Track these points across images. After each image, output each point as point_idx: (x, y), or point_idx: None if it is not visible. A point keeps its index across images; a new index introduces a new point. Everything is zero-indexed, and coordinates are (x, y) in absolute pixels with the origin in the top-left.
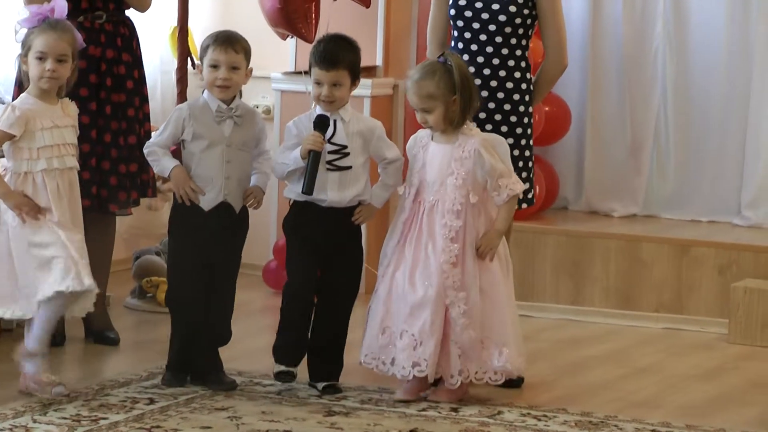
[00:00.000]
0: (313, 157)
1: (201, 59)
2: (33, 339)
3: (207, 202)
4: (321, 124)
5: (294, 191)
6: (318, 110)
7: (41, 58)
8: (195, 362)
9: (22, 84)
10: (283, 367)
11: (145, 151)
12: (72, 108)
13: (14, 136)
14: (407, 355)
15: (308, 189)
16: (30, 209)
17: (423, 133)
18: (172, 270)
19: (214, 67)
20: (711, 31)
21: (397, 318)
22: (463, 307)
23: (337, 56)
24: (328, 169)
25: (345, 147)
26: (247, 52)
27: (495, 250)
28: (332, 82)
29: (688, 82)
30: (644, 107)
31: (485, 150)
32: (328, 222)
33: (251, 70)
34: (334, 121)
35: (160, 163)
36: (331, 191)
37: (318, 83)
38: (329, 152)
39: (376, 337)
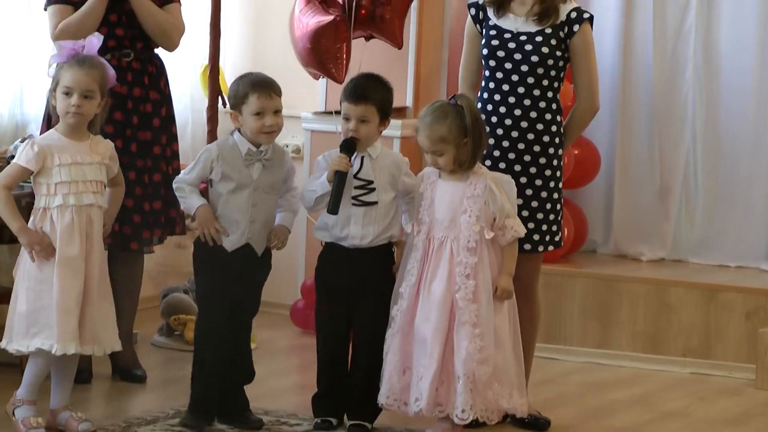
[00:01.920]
0: (338, 178)
1: (234, 106)
2: (22, 386)
3: (230, 244)
4: (347, 146)
5: (322, 230)
6: None
7: (68, 93)
8: (222, 401)
9: (50, 119)
10: (319, 420)
11: (174, 185)
12: (103, 146)
13: (31, 171)
14: (412, 391)
15: (333, 208)
16: (42, 249)
17: (430, 171)
18: (200, 307)
19: (259, 114)
20: (741, 77)
21: (412, 357)
22: (479, 343)
23: (366, 91)
24: (353, 204)
25: (371, 182)
26: (281, 94)
27: (511, 292)
28: (360, 117)
29: (717, 127)
30: (673, 151)
31: (496, 187)
32: (354, 264)
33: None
34: (362, 158)
35: (187, 200)
36: (355, 226)
37: (346, 118)
38: (355, 187)
39: (397, 379)
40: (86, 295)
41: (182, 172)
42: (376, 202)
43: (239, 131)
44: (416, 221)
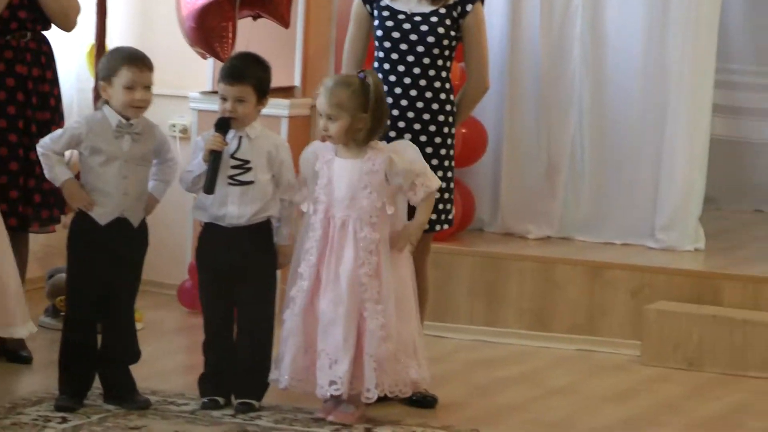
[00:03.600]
0: (214, 157)
1: (105, 77)
2: None
3: (103, 217)
4: (221, 125)
5: (200, 210)
6: None
7: None
8: (106, 382)
9: None
10: (206, 400)
11: (39, 150)
12: None
13: None
14: (324, 374)
15: (209, 188)
16: None
17: (323, 148)
18: (69, 286)
19: (130, 88)
20: (627, 56)
21: (315, 339)
22: (381, 320)
23: (242, 72)
24: (229, 184)
25: (248, 162)
26: (153, 69)
27: (413, 243)
28: (236, 97)
29: (604, 105)
30: (560, 130)
31: (396, 156)
32: (234, 243)
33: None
34: (240, 138)
35: (54, 170)
36: (232, 205)
37: (223, 98)
38: (231, 167)
39: (300, 360)
40: None
41: (48, 137)
42: (252, 182)
43: (107, 104)
44: (312, 200)
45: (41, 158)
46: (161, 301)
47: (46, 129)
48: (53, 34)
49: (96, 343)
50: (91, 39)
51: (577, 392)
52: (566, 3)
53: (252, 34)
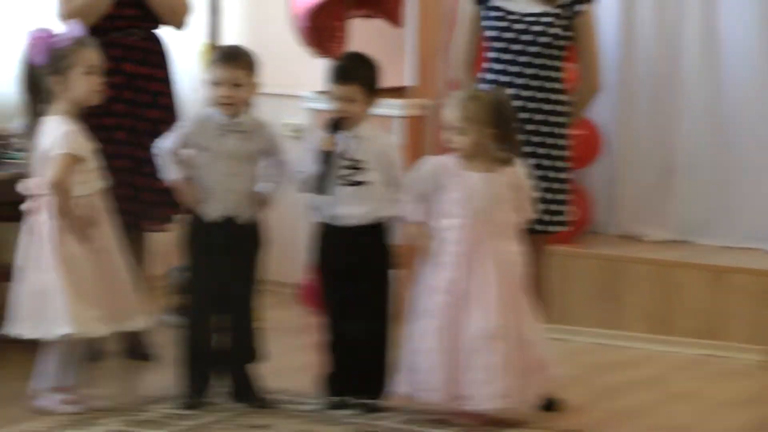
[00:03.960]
0: (326, 158)
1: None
2: (41, 376)
3: (211, 215)
4: (332, 125)
5: (312, 210)
6: None
7: (91, 74)
8: (225, 380)
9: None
10: (331, 399)
11: (155, 152)
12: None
13: (84, 158)
14: (462, 386)
15: (321, 189)
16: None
17: (448, 162)
18: (186, 285)
19: (217, 84)
20: (743, 54)
21: (451, 352)
22: (513, 331)
23: (351, 71)
24: (341, 184)
25: (359, 162)
26: (251, 67)
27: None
28: (345, 97)
29: (721, 105)
30: (676, 131)
31: (524, 176)
32: (347, 243)
33: (256, 85)
34: (350, 138)
35: (165, 170)
36: (344, 206)
37: (333, 99)
38: (343, 167)
39: (437, 372)
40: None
41: (163, 139)
42: (364, 182)
43: None
44: (442, 214)
45: (157, 158)
46: (281, 300)
47: (155, 127)
48: (168, 33)
49: (211, 341)
50: (204, 38)
51: (700, 397)
52: (680, 3)
53: (364, 34)
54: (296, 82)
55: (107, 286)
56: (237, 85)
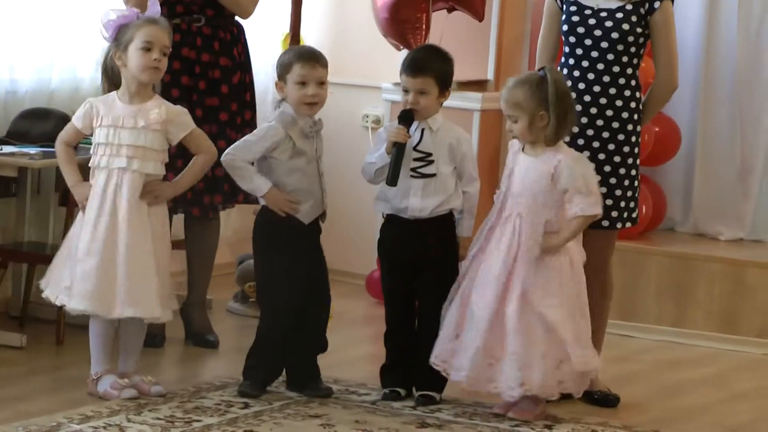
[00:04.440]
0: (397, 150)
1: (280, 76)
2: (92, 361)
3: (306, 216)
4: (405, 117)
5: (382, 202)
6: None
7: (148, 49)
8: (292, 370)
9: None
10: (387, 391)
11: (230, 163)
12: (158, 111)
13: (78, 128)
14: (506, 374)
15: (392, 181)
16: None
17: (515, 141)
18: (273, 281)
19: (302, 84)
20: None
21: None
22: (546, 318)
23: (424, 64)
24: (411, 176)
25: (430, 155)
26: (327, 66)
27: (546, 252)
28: (418, 89)
29: None
30: (755, 131)
31: (568, 164)
32: (415, 235)
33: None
34: (422, 130)
35: (252, 182)
36: (414, 198)
37: (405, 90)
38: (414, 159)
39: (449, 341)
40: (115, 259)
41: (236, 148)
42: (435, 174)
43: (285, 102)
44: (499, 189)
45: (235, 170)
46: (350, 290)
47: (212, 115)
48: (249, 23)
49: (291, 336)
50: (285, 29)
51: (764, 397)
52: (765, 5)
53: (445, 27)
54: (377, 74)
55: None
56: (322, 84)
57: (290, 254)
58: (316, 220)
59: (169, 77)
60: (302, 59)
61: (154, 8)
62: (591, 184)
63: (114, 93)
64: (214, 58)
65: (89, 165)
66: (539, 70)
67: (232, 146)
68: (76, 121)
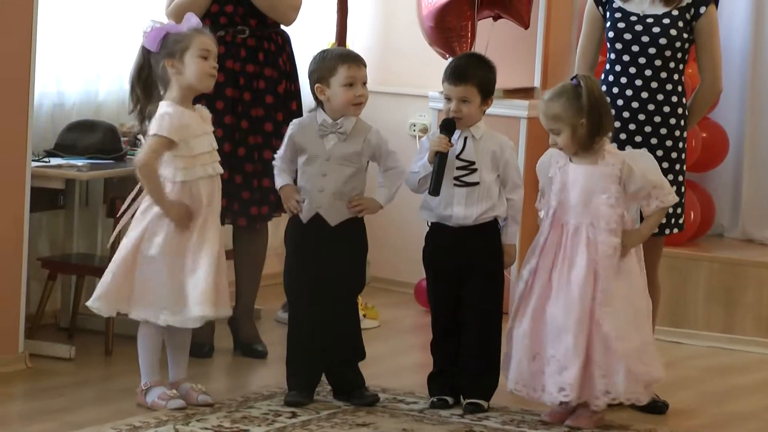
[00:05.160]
0: (439, 159)
1: (320, 79)
2: (141, 372)
3: (304, 215)
4: (447, 126)
5: (426, 210)
6: None
7: (206, 57)
8: (332, 379)
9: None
10: (435, 399)
11: (274, 168)
12: (206, 113)
13: (175, 142)
14: (553, 380)
15: (434, 190)
16: (190, 221)
17: (556, 153)
18: (287, 288)
19: (350, 85)
20: None
21: (545, 344)
22: (611, 325)
23: (466, 71)
24: (455, 185)
25: (473, 163)
26: (366, 66)
27: (629, 249)
28: (460, 97)
29: None
30: None
31: (635, 163)
32: (460, 243)
33: None
34: (465, 139)
35: (276, 178)
36: (458, 206)
37: (447, 98)
38: (457, 168)
39: (527, 365)
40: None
41: (278, 152)
42: (478, 183)
43: (322, 106)
44: (546, 206)
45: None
46: (399, 299)
47: (258, 125)
48: (296, 33)
49: (319, 340)
50: (331, 38)
51: None
52: None
53: (492, 35)
54: (423, 83)
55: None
56: (365, 84)
57: (295, 255)
58: (349, 226)
59: (213, 89)
60: (348, 60)
61: (193, 20)
62: (661, 175)
63: (171, 103)
64: (258, 69)
65: (179, 179)
66: (572, 79)
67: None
68: (169, 133)
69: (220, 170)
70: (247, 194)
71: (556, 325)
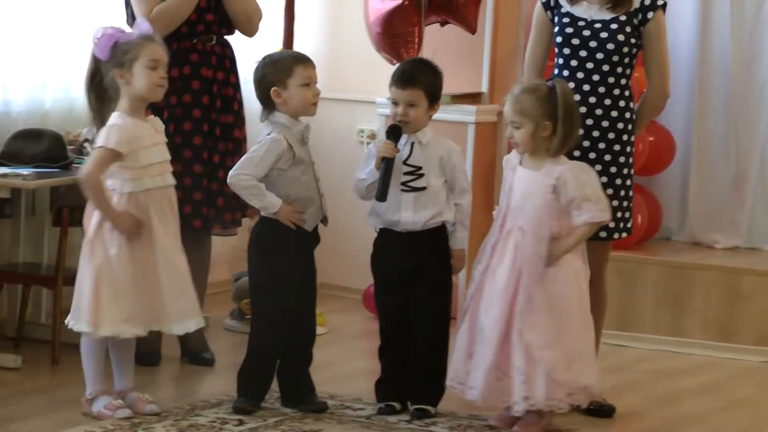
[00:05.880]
0: (385, 165)
1: (276, 82)
2: (86, 383)
3: (309, 224)
4: (392, 132)
5: (374, 216)
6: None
7: (154, 68)
8: (286, 385)
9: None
10: (382, 405)
11: (240, 182)
12: (159, 124)
13: (122, 154)
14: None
15: (381, 196)
16: (138, 232)
17: (513, 155)
18: (261, 294)
19: (308, 85)
20: None
21: (474, 344)
22: (534, 332)
23: (414, 76)
24: (402, 190)
25: (420, 168)
26: None
27: (553, 259)
28: (407, 101)
29: None
30: (750, 139)
31: (572, 174)
32: (408, 248)
33: None
34: (412, 144)
35: (265, 199)
36: (406, 212)
37: (395, 103)
38: (404, 173)
39: (462, 363)
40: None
41: (242, 165)
42: (425, 188)
43: (274, 110)
44: (499, 206)
45: (244, 190)
46: (346, 305)
47: (228, 132)
48: (236, 39)
49: (281, 347)
50: (278, 44)
51: (760, 405)
52: (757, 10)
53: (439, 40)
54: (371, 89)
55: (150, 287)
56: (316, 83)
57: (288, 266)
58: (316, 229)
59: (190, 97)
60: (303, 60)
61: (144, 26)
62: (599, 191)
63: (121, 114)
64: (226, 76)
65: (126, 190)
66: (548, 80)
67: (237, 166)
68: (116, 145)
69: (172, 181)
70: (221, 200)
71: (479, 326)
